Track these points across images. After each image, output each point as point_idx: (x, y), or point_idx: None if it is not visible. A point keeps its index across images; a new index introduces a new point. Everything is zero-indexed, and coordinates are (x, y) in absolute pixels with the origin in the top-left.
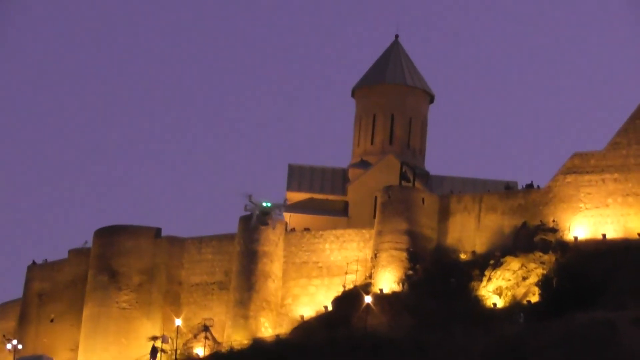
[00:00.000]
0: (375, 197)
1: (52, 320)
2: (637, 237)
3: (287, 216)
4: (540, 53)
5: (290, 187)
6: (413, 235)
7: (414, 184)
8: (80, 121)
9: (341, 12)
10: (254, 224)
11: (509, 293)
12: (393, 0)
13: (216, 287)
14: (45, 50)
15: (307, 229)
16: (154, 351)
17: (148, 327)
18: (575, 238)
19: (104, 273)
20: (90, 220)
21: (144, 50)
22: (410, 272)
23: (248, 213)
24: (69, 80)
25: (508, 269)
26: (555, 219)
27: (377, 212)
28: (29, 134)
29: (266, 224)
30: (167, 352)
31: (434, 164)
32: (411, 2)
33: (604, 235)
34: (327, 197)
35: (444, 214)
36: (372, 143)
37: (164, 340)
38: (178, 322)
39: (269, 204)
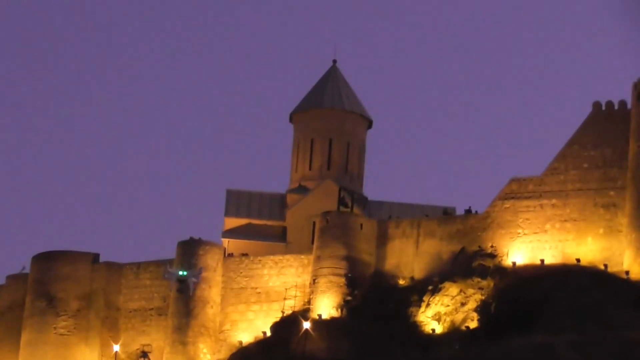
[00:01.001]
0: (314, 223)
1: None
2: (575, 262)
3: (225, 242)
4: (477, 77)
5: (228, 213)
6: (351, 261)
7: (352, 209)
8: (13, 144)
9: (279, 36)
10: (173, 290)
11: (448, 319)
12: (330, 25)
13: (154, 313)
14: None
15: (245, 255)
16: None
17: (86, 353)
18: (514, 263)
19: (42, 299)
20: (27, 245)
21: (80, 63)
22: (349, 297)
23: (167, 279)
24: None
25: (446, 295)
26: (493, 245)
27: (316, 237)
28: None
29: (184, 291)
30: None
31: (372, 189)
32: (349, 27)
33: (542, 261)
34: (266, 223)
35: (383, 239)
36: (310, 168)
37: None
38: (116, 348)
39: (184, 273)
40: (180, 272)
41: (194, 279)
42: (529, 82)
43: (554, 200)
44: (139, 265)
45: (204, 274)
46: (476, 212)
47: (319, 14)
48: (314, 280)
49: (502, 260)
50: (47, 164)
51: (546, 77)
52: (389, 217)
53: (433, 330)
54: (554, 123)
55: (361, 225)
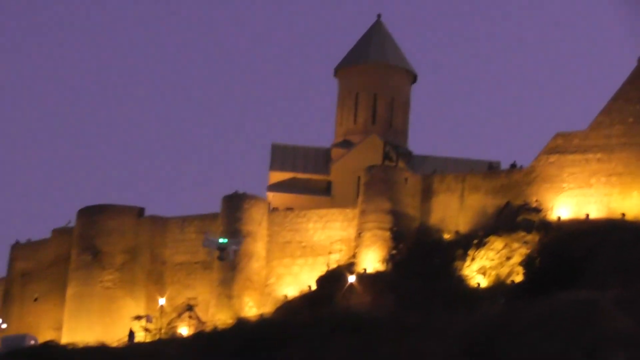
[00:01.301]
0: (359, 177)
1: (36, 300)
2: (620, 217)
3: (270, 196)
4: (524, 32)
5: (273, 167)
6: (396, 215)
7: (397, 164)
8: (63, 101)
9: None
10: (211, 258)
11: (493, 273)
12: None
13: (200, 267)
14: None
15: (289, 209)
16: (131, 334)
17: (132, 306)
18: (559, 218)
19: (87, 252)
20: (73, 199)
21: (124, 30)
22: (394, 251)
23: (206, 247)
24: (47, 60)
25: (492, 249)
26: (538, 199)
27: (361, 191)
28: (12, 115)
29: (224, 259)
30: (151, 332)
31: (416, 144)
32: None
33: (587, 215)
34: (310, 177)
35: (427, 194)
36: (355, 122)
37: (148, 319)
38: (162, 301)
39: (225, 240)
40: (221, 240)
41: (234, 247)
42: (574, 37)
43: (599, 155)
44: (184, 219)
45: (250, 228)
46: (521, 166)
47: None
48: (359, 234)
49: (546, 214)
50: (92, 118)
51: (592, 32)
52: (434, 171)
53: (478, 284)
54: (599, 78)
55: (406, 179)
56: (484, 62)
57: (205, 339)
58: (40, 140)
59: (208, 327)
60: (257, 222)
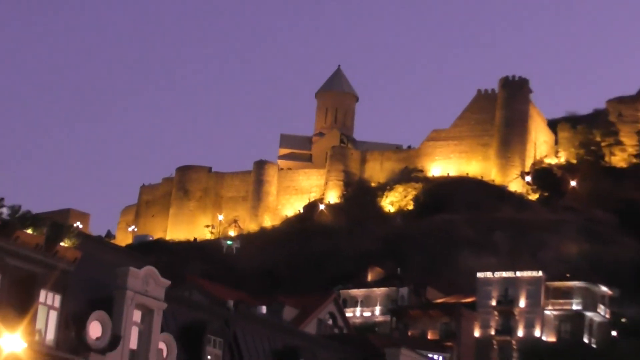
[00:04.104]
0: (327, 152)
1: (153, 216)
2: (465, 174)
3: (280, 162)
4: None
5: (281, 146)
6: (346, 173)
7: (347, 145)
8: (168, 83)
9: (304, 49)
10: (225, 250)
11: (397, 204)
12: (334, 39)
13: (241, 199)
14: None
15: (289, 169)
16: (194, 240)
17: (204, 220)
18: (433, 175)
19: (181, 191)
20: (173, 160)
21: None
22: (345, 192)
23: (222, 246)
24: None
25: (397, 191)
26: (422, 165)
27: (327, 160)
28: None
29: (230, 251)
30: (214, 234)
31: (358, 134)
32: (351, 38)
33: (448, 174)
34: (301, 152)
35: (364, 161)
36: (325, 122)
37: (213, 227)
38: (220, 217)
39: (230, 242)
40: (228, 242)
41: (235, 245)
42: (436, 62)
43: (455, 142)
44: (234, 173)
45: (268, 179)
46: (414, 147)
47: (327, 33)
48: (326, 182)
49: (427, 173)
50: (176, 107)
51: (446, 72)
52: (367, 149)
53: (389, 210)
54: (455, 101)
55: (352, 153)
56: (403, 85)
57: (243, 238)
58: (147, 115)
59: (244, 231)
60: (272, 176)
